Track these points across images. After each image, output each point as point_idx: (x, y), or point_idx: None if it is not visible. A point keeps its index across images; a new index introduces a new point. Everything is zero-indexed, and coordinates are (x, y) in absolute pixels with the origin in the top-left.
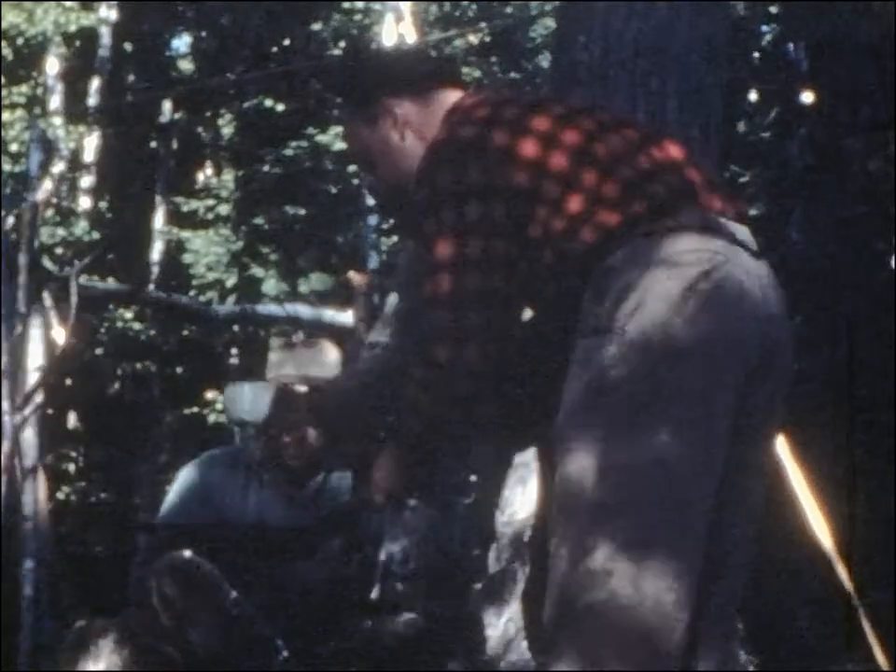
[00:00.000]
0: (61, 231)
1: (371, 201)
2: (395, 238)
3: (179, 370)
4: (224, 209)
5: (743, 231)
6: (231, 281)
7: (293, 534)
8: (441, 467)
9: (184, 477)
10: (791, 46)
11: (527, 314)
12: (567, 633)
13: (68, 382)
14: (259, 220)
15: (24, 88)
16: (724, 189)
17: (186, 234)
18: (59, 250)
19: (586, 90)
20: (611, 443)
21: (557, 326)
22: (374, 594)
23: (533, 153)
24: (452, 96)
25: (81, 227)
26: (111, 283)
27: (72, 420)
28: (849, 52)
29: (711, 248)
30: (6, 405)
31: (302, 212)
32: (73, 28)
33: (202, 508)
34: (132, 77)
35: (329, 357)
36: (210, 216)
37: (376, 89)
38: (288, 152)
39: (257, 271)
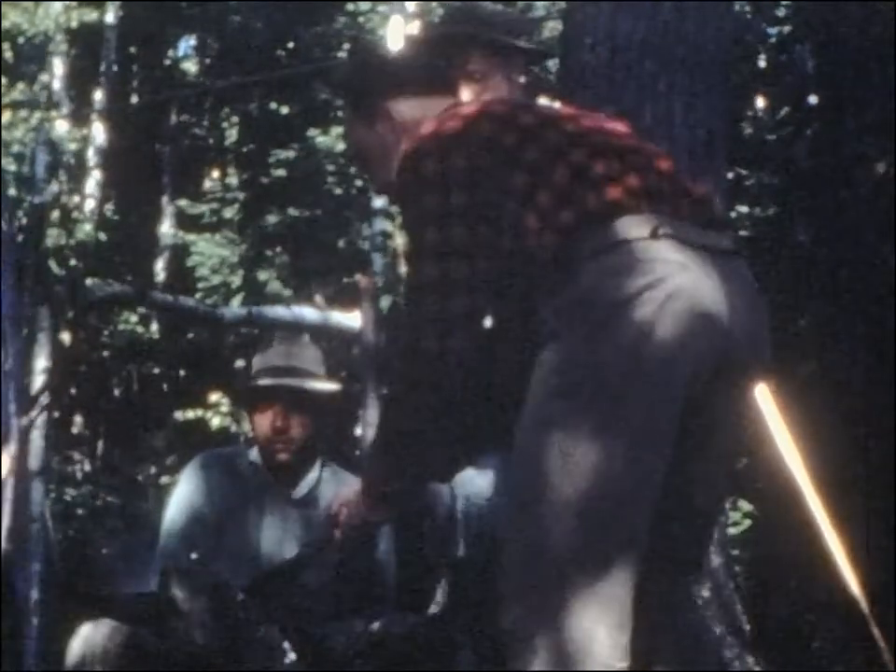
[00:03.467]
0: (66, 234)
1: (376, 203)
2: (399, 240)
3: (184, 372)
4: (229, 212)
5: (712, 235)
6: (235, 284)
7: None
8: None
9: (182, 493)
10: (797, 47)
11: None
12: (517, 604)
13: (74, 384)
14: (263, 223)
15: (27, 87)
16: (700, 188)
17: (191, 237)
18: (65, 253)
19: (593, 92)
20: (556, 450)
21: (518, 329)
22: (461, 551)
23: (512, 144)
24: (448, 101)
25: (87, 229)
26: (117, 285)
27: (78, 422)
28: (856, 54)
29: (664, 257)
30: (12, 408)
31: (307, 214)
32: (74, 24)
33: (205, 533)
34: (136, 80)
35: (310, 349)
36: (215, 218)
37: (375, 90)
38: (292, 155)
39: (262, 273)
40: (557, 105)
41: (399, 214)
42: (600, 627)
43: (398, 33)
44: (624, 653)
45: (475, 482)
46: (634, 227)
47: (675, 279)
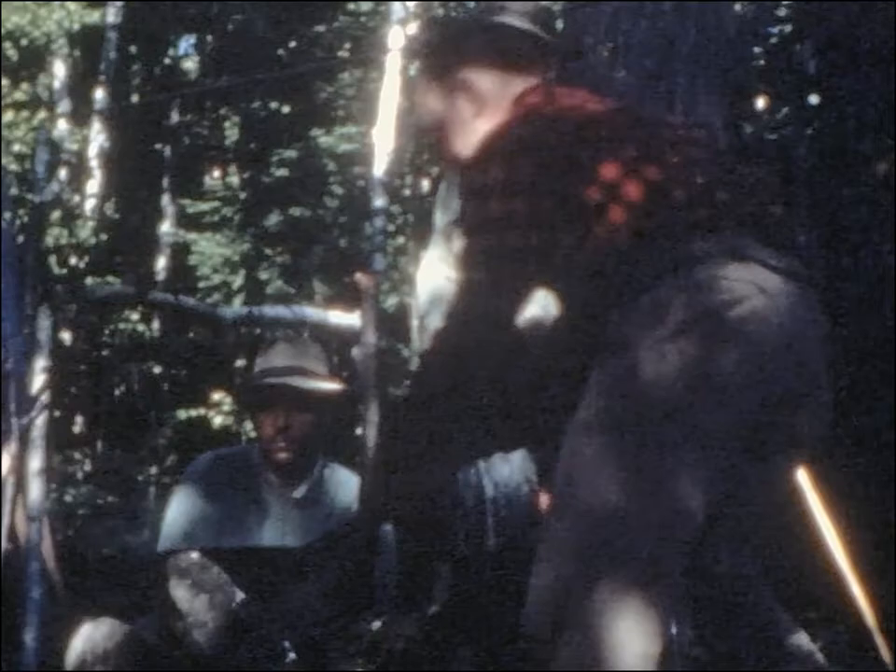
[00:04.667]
0: (67, 234)
1: (377, 202)
2: (401, 240)
3: (185, 371)
4: (230, 211)
5: (787, 259)
6: (237, 283)
7: (299, 556)
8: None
9: (183, 493)
10: (797, 47)
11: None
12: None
13: (75, 384)
14: (265, 222)
15: (29, 88)
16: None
17: (192, 236)
18: (65, 252)
19: (593, 92)
20: (610, 454)
21: (580, 332)
22: (490, 544)
23: (588, 158)
24: (529, 79)
25: (87, 229)
26: (117, 285)
27: (78, 422)
28: (857, 54)
29: (742, 278)
30: (12, 407)
31: (308, 214)
32: (76, 27)
33: (206, 532)
34: (137, 80)
35: (314, 350)
36: (216, 218)
37: (455, 60)
38: (294, 154)
39: (263, 273)
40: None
41: (399, 214)
42: (634, 635)
43: (399, 33)
44: (655, 664)
45: (503, 468)
46: (714, 245)
47: (751, 301)
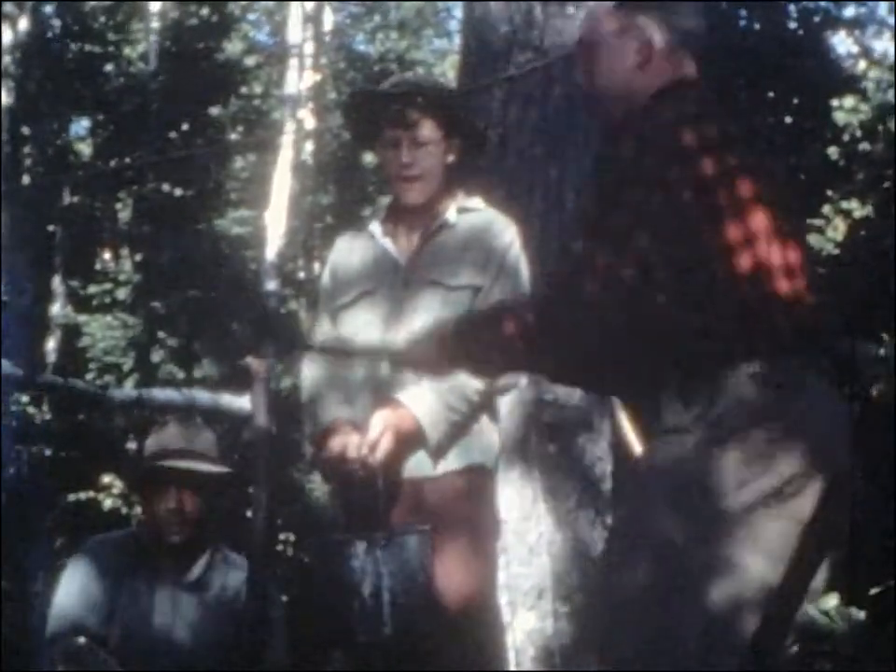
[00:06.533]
0: None
1: (269, 285)
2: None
3: (75, 454)
4: (121, 293)
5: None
6: (127, 365)
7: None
8: None
9: (72, 576)
10: None
11: None
12: None
13: None
14: (156, 305)
15: None
16: None
17: (83, 318)
18: None
19: (486, 177)
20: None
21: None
22: (387, 630)
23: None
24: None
25: None
26: (7, 366)
27: None
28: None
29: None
30: None
31: (200, 296)
32: None
33: (95, 616)
34: (29, 161)
35: (205, 433)
36: (107, 300)
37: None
38: (186, 237)
39: (154, 355)
40: None
41: (291, 297)
42: None
43: (291, 117)
44: None
45: (400, 555)
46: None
47: (799, 404)
